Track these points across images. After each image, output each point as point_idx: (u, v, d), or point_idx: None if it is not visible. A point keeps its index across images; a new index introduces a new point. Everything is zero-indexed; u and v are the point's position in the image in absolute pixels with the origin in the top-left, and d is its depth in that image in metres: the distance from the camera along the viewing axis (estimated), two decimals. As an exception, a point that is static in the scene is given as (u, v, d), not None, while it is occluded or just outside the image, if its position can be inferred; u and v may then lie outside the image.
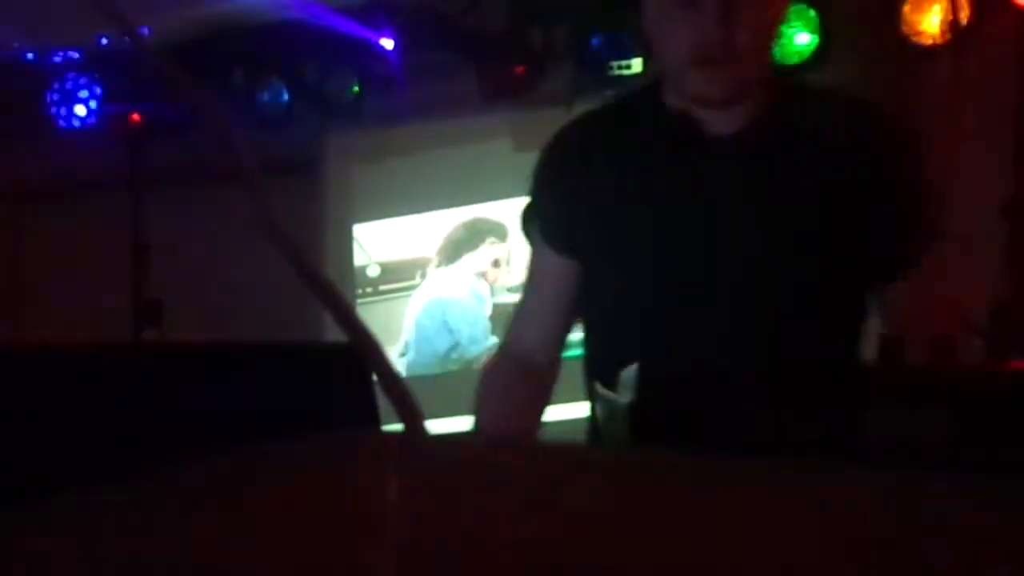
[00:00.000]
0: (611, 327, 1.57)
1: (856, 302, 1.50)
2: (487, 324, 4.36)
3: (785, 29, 3.77)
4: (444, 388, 4.44)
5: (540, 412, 1.64)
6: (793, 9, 3.76)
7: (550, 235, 1.60)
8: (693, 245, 1.49)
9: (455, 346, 4.39)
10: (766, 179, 1.48)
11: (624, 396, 1.45)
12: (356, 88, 4.59)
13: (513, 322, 1.71)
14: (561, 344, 1.65)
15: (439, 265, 4.45)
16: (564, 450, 0.44)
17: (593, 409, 1.54)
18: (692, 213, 1.49)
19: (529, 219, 1.65)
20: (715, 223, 1.47)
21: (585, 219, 1.55)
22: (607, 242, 1.54)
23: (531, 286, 1.67)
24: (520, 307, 1.70)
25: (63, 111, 5.02)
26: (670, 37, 1.48)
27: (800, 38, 3.79)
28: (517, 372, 1.62)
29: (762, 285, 1.46)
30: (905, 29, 3.63)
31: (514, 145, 4.25)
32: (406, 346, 4.44)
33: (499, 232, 4.31)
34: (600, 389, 1.49)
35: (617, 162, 1.54)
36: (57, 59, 4.93)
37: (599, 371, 1.54)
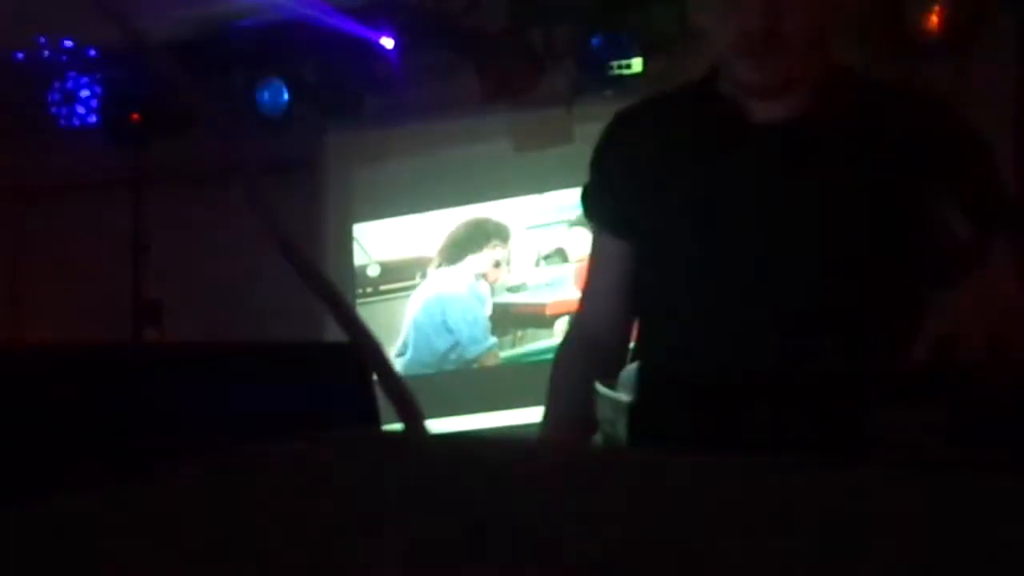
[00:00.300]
0: (652, 316, 1.57)
1: (903, 301, 1.45)
2: (487, 324, 4.36)
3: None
4: (444, 388, 4.44)
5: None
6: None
7: (606, 219, 1.61)
8: (730, 235, 1.47)
9: (454, 346, 4.39)
10: (811, 171, 1.46)
11: (624, 396, 1.45)
12: (356, 88, 4.59)
13: (580, 305, 1.71)
14: (628, 325, 1.63)
15: (440, 265, 4.45)
16: (564, 450, 0.44)
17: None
18: (732, 202, 1.47)
19: (588, 201, 1.65)
20: (755, 213, 1.45)
21: (637, 205, 1.55)
22: (652, 230, 1.54)
23: (594, 268, 1.66)
24: (585, 289, 1.70)
25: (64, 111, 5.02)
26: (716, 25, 1.46)
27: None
28: (584, 356, 1.60)
29: (796, 278, 1.44)
30: (905, 28, 3.63)
31: (514, 145, 4.25)
32: (404, 346, 4.44)
33: (502, 234, 4.31)
34: (600, 389, 1.49)
35: (667, 150, 1.53)
36: (57, 59, 4.93)
37: (644, 363, 1.52)
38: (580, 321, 1.68)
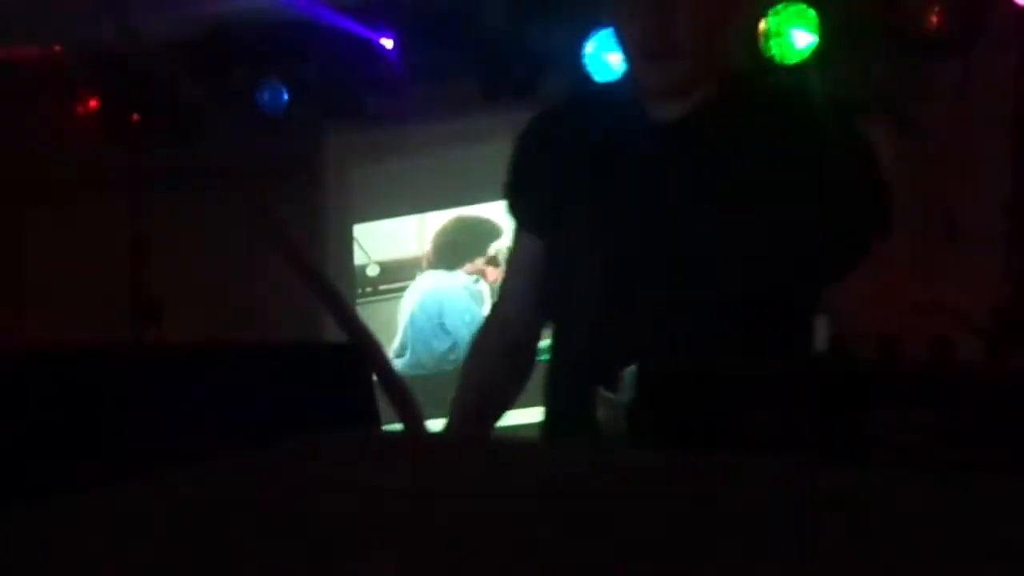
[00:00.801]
0: (562, 311, 1.62)
1: (795, 290, 1.51)
2: (485, 324, 4.36)
3: (785, 29, 3.77)
4: (443, 388, 4.44)
5: (519, 387, 1.69)
6: (793, 9, 3.76)
7: (524, 217, 1.66)
8: (627, 230, 1.53)
9: (452, 347, 4.38)
10: (702, 168, 1.51)
11: (624, 396, 1.44)
12: (356, 88, 4.59)
13: (497, 301, 1.77)
14: (536, 325, 1.69)
15: (437, 266, 4.45)
16: (564, 449, 0.44)
17: (557, 406, 1.59)
18: (629, 199, 1.53)
19: (508, 201, 1.70)
20: (650, 208, 1.50)
21: (550, 204, 1.60)
22: (561, 227, 1.59)
23: (513, 266, 1.73)
24: (504, 285, 1.76)
25: (66, 111, 5.02)
26: (620, 29, 1.53)
27: (800, 38, 3.79)
28: (500, 350, 1.66)
29: (685, 275, 1.49)
30: (905, 29, 3.63)
31: (514, 145, 4.25)
32: (402, 347, 4.44)
33: (498, 234, 4.31)
34: (601, 389, 1.49)
35: (576, 151, 1.59)
36: (58, 59, 4.93)
37: (557, 363, 1.59)
38: (497, 317, 1.73)
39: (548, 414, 1.64)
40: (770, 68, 3.87)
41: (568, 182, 1.57)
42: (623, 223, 1.53)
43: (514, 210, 1.68)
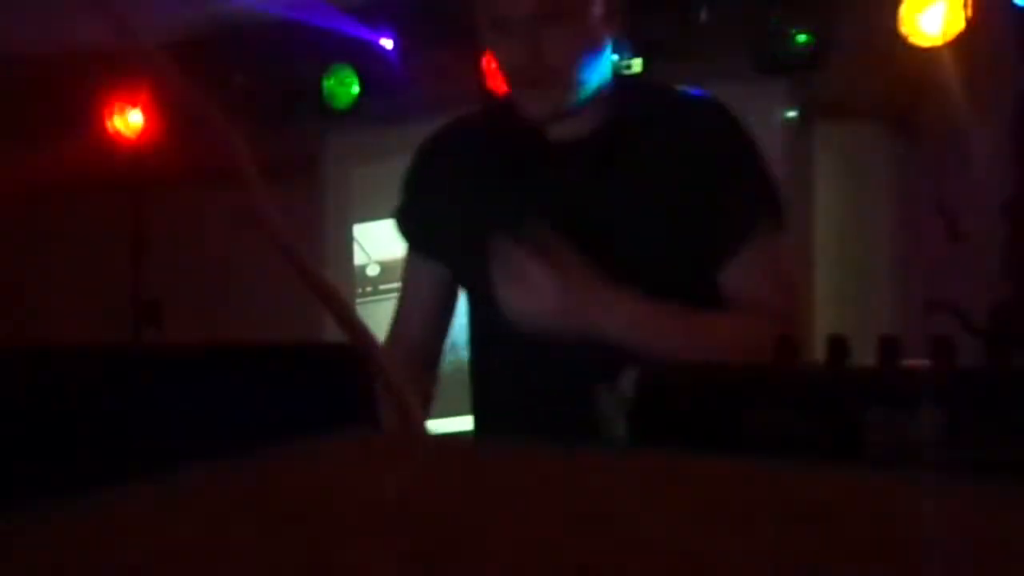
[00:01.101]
0: (475, 331, 1.66)
1: (701, 283, 1.53)
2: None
3: (785, 29, 3.77)
4: (443, 388, 4.44)
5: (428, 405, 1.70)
6: (793, 9, 3.76)
7: (421, 241, 1.67)
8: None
9: (451, 347, 4.38)
10: (606, 181, 1.53)
11: (624, 396, 1.45)
12: (356, 88, 4.59)
13: (395, 323, 1.76)
14: (440, 345, 1.72)
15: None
16: (564, 450, 0.44)
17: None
18: (537, 217, 1.53)
19: (402, 224, 1.71)
20: (558, 226, 1.51)
21: (449, 227, 1.60)
22: (463, 250, 1.59)
23: (409, 289, 1.73)
24: (400, 308, 1.75)
25: (66, 112, 5.02)
26: (494, 57, 1.54)
27: (800, 38, 3.79)
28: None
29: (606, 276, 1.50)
30: (905, 29, 3.63)
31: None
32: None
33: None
34: (601, 389, 1.49)
35: (474, 172, 1.60)
36: (59, 59, 4.93)
37: (473, 376, 1.65)
38: (396, 340, 1.72)
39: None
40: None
41: (476, 205, 1.57)
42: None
43: (414, 235, 1.67)
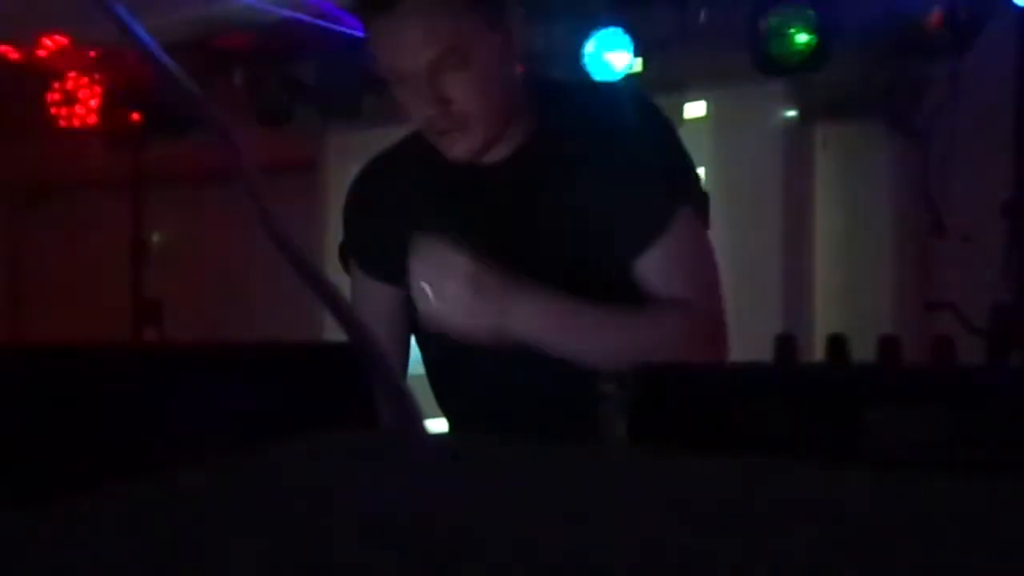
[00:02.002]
0: (425, 354, 1.69)
1: (630, 282, 1.54)
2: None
3: (785, 29, 3.77)
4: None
5: None
6: (793, 9, 3.76)
7: (366, 262, 1.70)
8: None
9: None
10: (533, 196, 1.55)
11: (624, 396, 1.45)
12: (355, 88, 4.59)
13: None
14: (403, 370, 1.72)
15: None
16: (565, 449, 0.44)
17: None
18: (475, 239, 1.55)
19: (345, 250, 1.75)
20: (496, 247, 1.52)
21: (391, 248, 1.61)
22: (405, 270, 1.61)
23: (365, 315, 1.73)
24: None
25: (64, 111, 5.02)
26: (406, 111, 1.55)
27: (800, 38, 3.79)
28: None
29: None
30: (901, 30, 3.63)
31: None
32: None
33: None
34: (601, 388, 1.50)
35: (414, 196, 1.62)
36: (58, 59, 4.93)
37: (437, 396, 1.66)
38: None
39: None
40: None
41: (422, 229, 1.61)
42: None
43: (367, 262, 1.71)
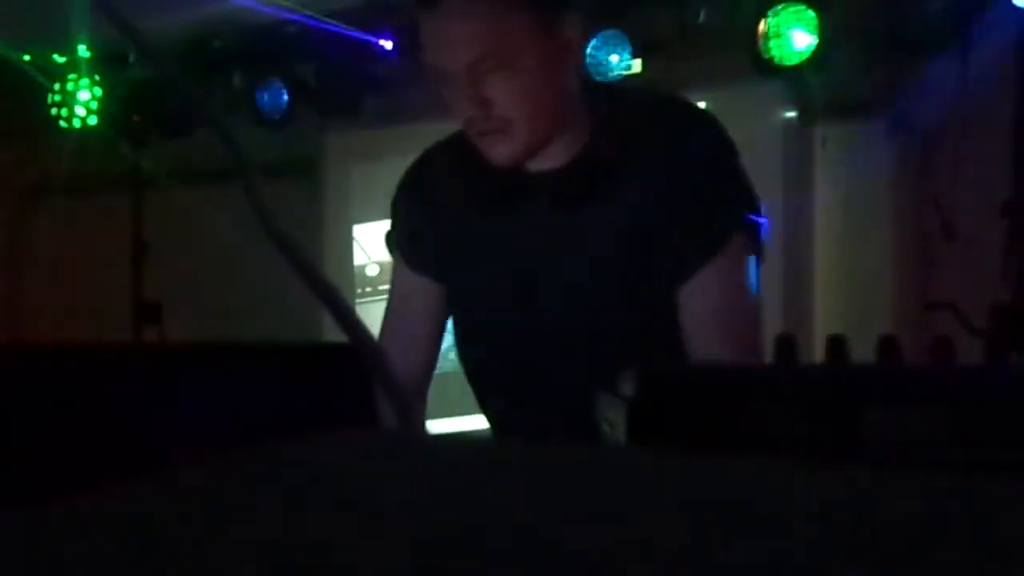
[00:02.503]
0: (460, 351, 1.70)
1: (668, 307, 1.52)
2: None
3: (785, 29, 3.77)
4: (443, 388, 4.44)
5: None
6: (793, 9, 3.76)
7: (410, 256, 1.70)
8: (513, 282, 1.54)
9: (452, 346, 4.38)
10: (579, 215, 1.53)
11: (624, 396, 1.45)
12: (355, 88, 4.59)
13: (382, 339, 1.75)
14: (425, 363, 1.73)
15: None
16: (566, 449, 0.44)
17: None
18: (513, 248, 1.54)
19: (391, 239, 1.75)
20: (536, 257, 1.52)
21: (435, 245, 1.63)
22: (448, 269, 1.61)
23: (402, 309, 1.74)
24: (390, 325, 1.76)
25: (64, 111, 5.02)
26: (449, 112, 1.55)
27: (800, 38, 3.79)
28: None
29: (579, 305, 1.52)
30: (903, 29, 3.63)
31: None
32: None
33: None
34: (601, 390, 1.50)
35: (465, 198, 1.62)
36: (58, 59, 4.93)
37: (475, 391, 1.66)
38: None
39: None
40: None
41: (466, 232, 1.59)
42: (517, 272, 1.55)
43: (416, 257, 1.70)
